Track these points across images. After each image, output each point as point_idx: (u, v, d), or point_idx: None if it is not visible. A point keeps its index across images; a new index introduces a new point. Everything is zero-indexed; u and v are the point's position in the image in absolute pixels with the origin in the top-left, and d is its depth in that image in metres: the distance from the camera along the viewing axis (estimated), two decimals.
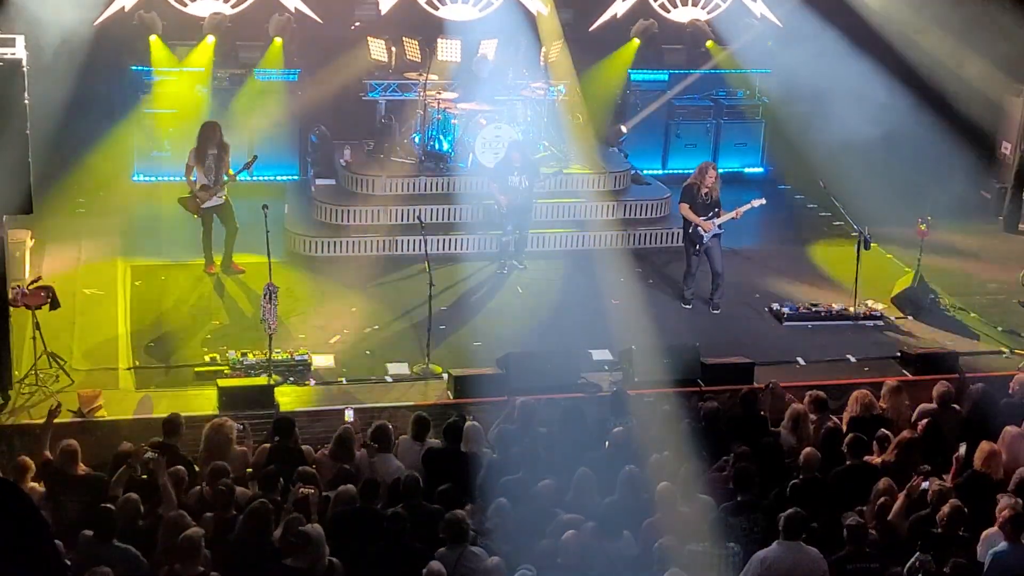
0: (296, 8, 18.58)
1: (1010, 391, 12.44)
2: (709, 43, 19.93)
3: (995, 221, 19.31)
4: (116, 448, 10.76)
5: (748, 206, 15.47)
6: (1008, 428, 11.31)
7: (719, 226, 15.46)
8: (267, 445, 11.03)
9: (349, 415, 11.88)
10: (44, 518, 4.70)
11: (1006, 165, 19.60)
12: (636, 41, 19.76)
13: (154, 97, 18.02)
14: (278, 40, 18.23)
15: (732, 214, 15.46)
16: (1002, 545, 9.54)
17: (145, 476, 10.07)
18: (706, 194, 15.46)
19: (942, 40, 19.02)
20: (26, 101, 11.70)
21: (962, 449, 10.90)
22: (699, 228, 15.33)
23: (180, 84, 18.04)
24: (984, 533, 9.84)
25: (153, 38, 17.87)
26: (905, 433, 11.26)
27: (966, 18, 18.41)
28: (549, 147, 18.14)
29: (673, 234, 17.53)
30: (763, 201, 15.59)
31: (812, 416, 11.90)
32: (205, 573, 8.86)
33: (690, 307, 15.62)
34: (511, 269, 16.30)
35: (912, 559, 9.13)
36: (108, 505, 9.43)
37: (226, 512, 9.63)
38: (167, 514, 9.50)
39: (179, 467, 10.18)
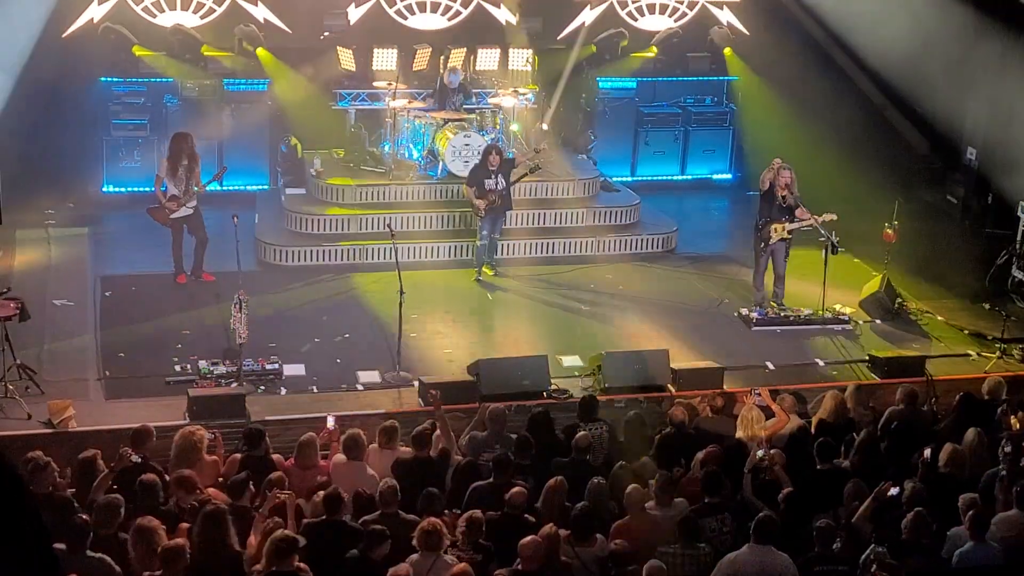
0: (265, 19, 18.61)
1: (984, 395, 12.59)
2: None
3: (961, 225, 19.48)
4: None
5: (821, 219, 15.43)
6: (970, 430, 11.42)
7: (789, 232, 15.57)
8: (238, 455, 11.03)
9: (331, 422, 11.90)
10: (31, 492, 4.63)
11: (971, 170, 19.77)
12: (593, 47, 19.84)
13: (123, 108, 18.02)
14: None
15: (806, 222, 15.44)
16: (968, 544, 9.67)
17: (116, 486, 10.06)
18: (783, 196, 15.49)
19: (907, 47, 19.19)
20: None
21: (927, 452, 11.00)
22: (771, 231, 15.41)
23: (149, 95, 18.05)
24: (950, 532, 9.95)
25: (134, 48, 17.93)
26: (864, 434, 11.36)
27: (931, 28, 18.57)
28: (518, 155, 18.20)
29: (642, 240, 17.66)
30: (835, 216, 15.55)
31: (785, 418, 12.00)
32: None
33: (760, 308, 15.70)
34: (484, 277, 16.32)
35: (868, 551, 9.21)
36: (82, 515, 9.38)
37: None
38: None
39: (152, 475, 10.14)
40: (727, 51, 20.22)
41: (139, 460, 10.26)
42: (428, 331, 14.75)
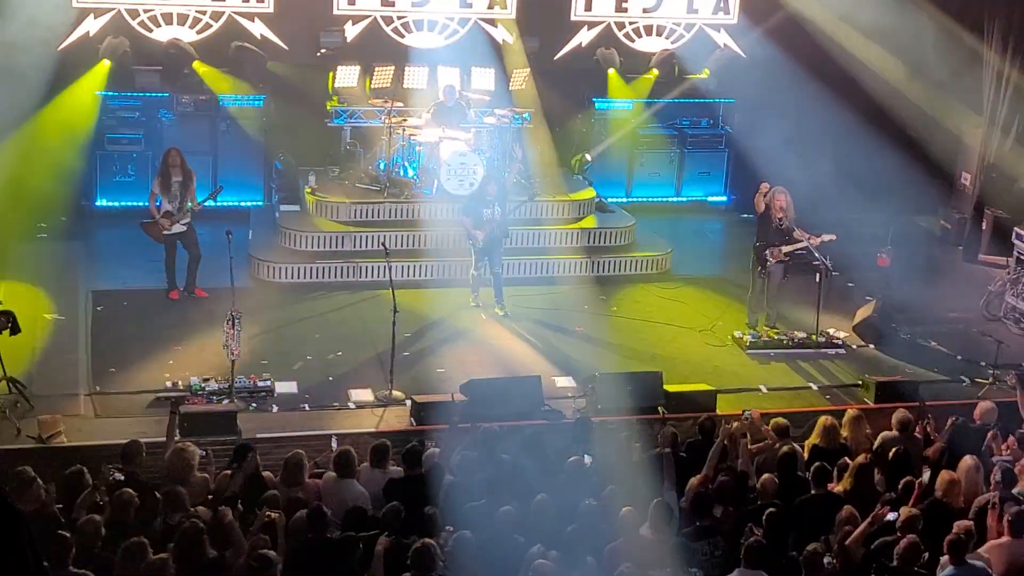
0: (261, 35, 18.61)
1: (975, 420, 12.56)
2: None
3: (955, 251, 19.49)
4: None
5: (820, 239, 15.47)
6: (965, 458, 11.36)
7: (786, 255, 15.53)
8: (228, 472, 10.96)
9: (335, 444, 11.87)
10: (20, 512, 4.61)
11: (966, 196, 19.81)
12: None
13: (118, 122, 18.00)
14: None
15: (803, 244, 15.43)
16: (949, 569, 9.61)
17: (101, 502, 9.98)
18: (780, 219, 15.48)
19: (904, 74, 19.24)
20: None
21: (925, 475, 10.96)
22: (768, 254, 15.40)
23: (144, 110, 18.04)
24: (942, 558, 9.90)
25: (107, 63, 17.84)
26: (860, 458, 11.31)
27: (927, 51, 18.62)
28: (515, 175, 18.19)
29: (636, 262, 17.62)
30: (834, 237, 15.60)
31: (776, 442, 11.97)
32: None
33: (754, 331, 15.69)
34: (491, 310, 16.12)
35: None
36: (62, 532, 9.30)
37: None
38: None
39: (127, 490, 10.04)
40: (705, 72, 20.21)
41: (122, 477, 10.14)
42: (421, 350, 14.71)
